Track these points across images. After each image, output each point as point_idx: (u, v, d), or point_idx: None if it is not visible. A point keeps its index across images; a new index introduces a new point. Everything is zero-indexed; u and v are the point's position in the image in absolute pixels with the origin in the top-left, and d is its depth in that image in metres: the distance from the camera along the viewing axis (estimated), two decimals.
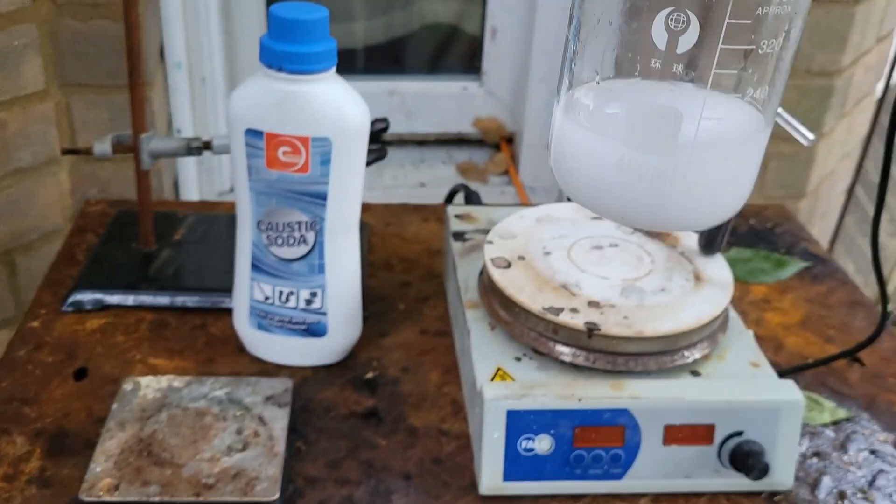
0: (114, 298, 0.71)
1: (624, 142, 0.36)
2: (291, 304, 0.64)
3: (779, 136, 1.11)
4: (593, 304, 0.59)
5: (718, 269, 0.64)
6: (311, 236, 0.61)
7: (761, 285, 0.81)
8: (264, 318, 0.65)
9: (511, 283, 0.61)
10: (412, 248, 0.84)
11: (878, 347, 0.73)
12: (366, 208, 0.92)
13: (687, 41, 0.33)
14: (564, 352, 0.58)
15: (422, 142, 1.36)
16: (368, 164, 0.77)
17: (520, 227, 0.68)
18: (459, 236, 0.73)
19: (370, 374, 0.67)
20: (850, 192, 1.37)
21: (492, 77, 1.30)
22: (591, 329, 0.57)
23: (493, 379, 0.57)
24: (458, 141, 1.36)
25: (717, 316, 0.60)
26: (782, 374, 0.68)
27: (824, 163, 1.18)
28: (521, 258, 0.64)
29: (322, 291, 0.63)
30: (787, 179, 1.15)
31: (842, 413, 0.66)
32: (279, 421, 0.58)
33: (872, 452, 0.63)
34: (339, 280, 0.64)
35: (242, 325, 0.66)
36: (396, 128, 1.33)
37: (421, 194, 1.28)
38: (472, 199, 0.86)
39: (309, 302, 0.64)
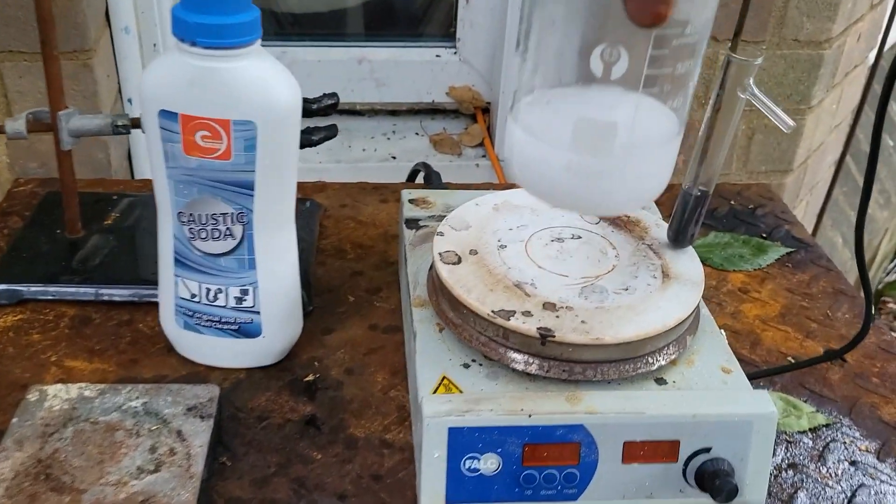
0: (32, 291, 0.65)
1: (571, 149, 0.45)
2: (220, 302, 0.58)
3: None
4: (549, 307, 0.53)
5: (689, 263, 0.59)
6: (238, 229, 0.55)
7: (739, 273, 0.76)
8: (191, 317, 0.59)
9: (460, 281, 0.55)
10: (368, 232, 0.78)
11: (862, 343, 0.68)
12: (320, 187, 0.86)
13: (619, 70, 0.42)
14: (516, 359, 0.53)
15: (394, 112, 1.29)
16: (317, 143, 0.71)
17: (475, 216, 0.62)
18: (413, 223, 0.67)
19: (310, 377, 0.61)
20: (840, 163, 1.32)
21: (466, 44, 1.23)
22: (545, 335, 0.51)
23: (436, 390, 0.52)
24: (432, 111, 1.29)
25: (686, 318, 0.54)
26: (757, 376, 0.63)
27: (812, 136, 1.12)
28: (474, 252, 0.58)
29: (254, 289, 0.57)
30: (772, 154, 1.09)
31: (821, 419, 0.61)
32: (200, 436, 0.52)
33: (853, 464, 0.58)
34: (272, 277, 0.58)
35: (169, 324, 0.60)
36: (367, 97, 1.26)
37: (391, 168, 1.22)
38: (431, 179, 0.80)
39: (239, 300, 0.58)
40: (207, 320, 0.59)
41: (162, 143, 0.53)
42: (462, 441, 0.50)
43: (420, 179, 0.85)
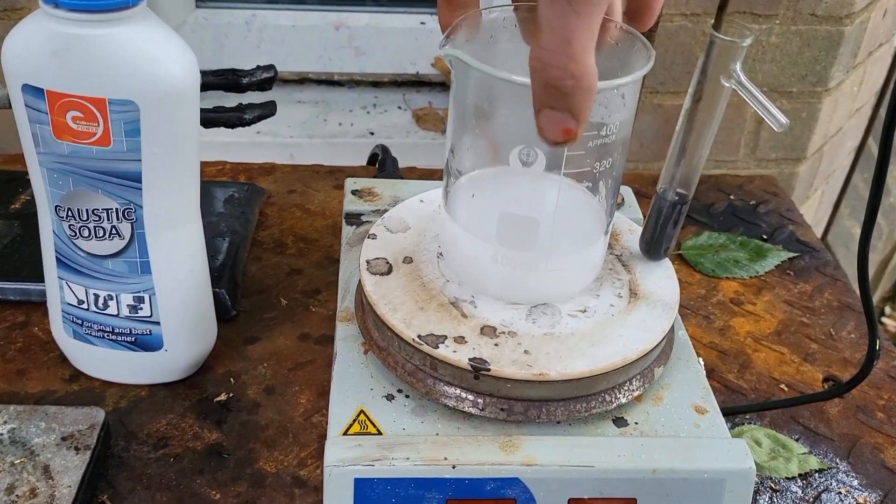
0: None
1: (496, 242, 0.45)
2: (111, 310, 0.50)
3: (775, 90, 0.95)
4: (488, 331, 0.45)
5: (662, 280, 0.49)
6: (125, 228, 0.47)
7: (733, 281, 0.67)
8: (80, 326, 0.51)
9: (386, 296, 0.46)
10: (315, 223, 0.70)
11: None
12: (268, 170, 0.77)
13: (537, 168, 0.42)
14: (447, 393, 0.44)
15: (375, 83, 1.20)
16: (250, 122, 0.62)
17: (417, 215, 0.53)
18: (354, 219, 0.58)
19: (222, 397, 0.53)
20: (860, 149, 1.21)
21: None
22: (477, 368, 0.43)
23: (349, 429, 0.43)
24: (416, 83, 1.20)
25: (652, 349, 0.45)
26: (740, 411, 0.54)
27: (830, 121, 1.02)
28: (408, 260, 0.49)
29: (150, 296, 0.49)
30: (784, 141, 0.99)
31: (813, 462, 0.52)
32: (70, 473, 0.44)
33: None
34: (172, 283, 0.49)
35: (58, 331, 0.52)
36: (346, 67, 1.17)
37: (368, 145, 1.13)
38: (386, 166, 0.71)
39: (134, 308, 0.49)
40: (98, 330, 0.50)
41: (30, 125, 0.44)
42: (371, 495, 0.41)
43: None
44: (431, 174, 0.76)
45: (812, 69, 0.94)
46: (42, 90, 0.43)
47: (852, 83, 1.04)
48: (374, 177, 0.67)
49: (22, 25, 0.43)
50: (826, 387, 0.58)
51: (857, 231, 1.40)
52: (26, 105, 0.44)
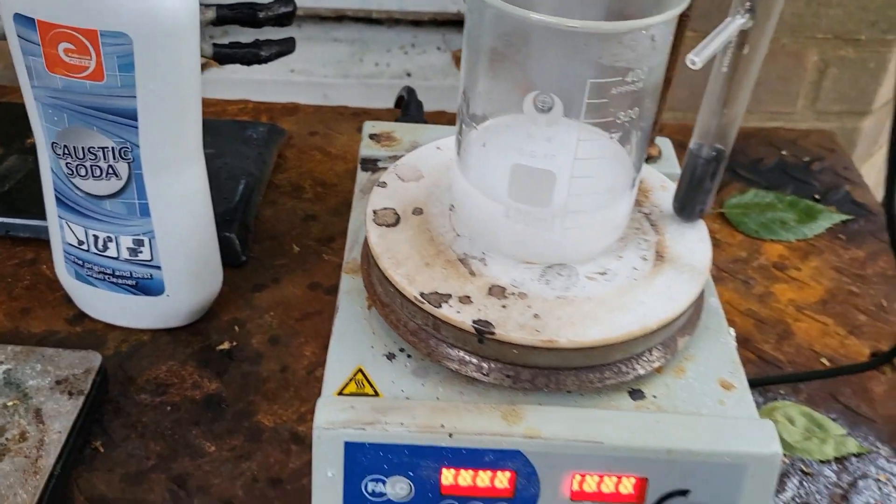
0: None
1: (509, 196, 0.42)
2: (111, 252, 0.48)
3: (840, 37, 0.88)
4: (496, 291, 0.42)
5: (694, 242, 0.45)
6: (122, 168, 0.45)
7: (778, 244, 0.62)
8: (82, 267, 0.49)
9: (390, 249, 0.44)
10: (335, 167, 0.67)
11: None
12: (291, 110, 0.74)
13: (553, 118, 0.39)
14: (450, 355, 0.41)
15: (416, 22, 1.15)
16: (266, 59, 0.59)
17: (432, 163, 0.50)
18: (370, 164, 0.55)
19: (225, 345, 0.51)
20: None
21: None
22: (481, 331, 0.40)
23: (344, 389, 0.41)
24: (457, 23, 1.15)
25: (676, 318, 0.42)
26: (774, 381, 0.50)
27: None
28: (418, 212, 0.46)
29: (150, 239, 0.47)
30: (847, 92, 0.92)
31: (852, 445, 0.48)
32: (61, 419, 0.43)
33: None
34: (173, 226, 0.47)
35: (61, 272, 0.51)
36: (384, 4, 1.12)
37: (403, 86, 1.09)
38: (410, 109, 0.67)
39: (134, 252, 0.48)
40: (99, 272, 0.49)
41: (23, 56, 0.42)
42: (363, 460, 0.39)
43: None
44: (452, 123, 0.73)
45: (884, 14, 0.86)
46: (34, 20, 0.40)
47: None
48: (397, 120, 0.64)
49: None
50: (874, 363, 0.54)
51: None
52: (19, 36, 0.41)
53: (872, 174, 1.12)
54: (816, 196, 0.67)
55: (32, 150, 0.62)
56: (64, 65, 0.41)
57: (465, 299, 0.41)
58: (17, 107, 0.65)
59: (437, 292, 0.41)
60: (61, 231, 0.48)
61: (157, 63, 0.42)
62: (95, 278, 0.49)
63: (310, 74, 1.02)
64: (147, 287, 0.49)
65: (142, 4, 0.40)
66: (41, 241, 0.57)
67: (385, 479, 0.39)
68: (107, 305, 0.51)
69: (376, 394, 0.41)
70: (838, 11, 0.86)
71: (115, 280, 0.49)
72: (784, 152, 0.72)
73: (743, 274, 0.59)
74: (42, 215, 0.56)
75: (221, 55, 0.57)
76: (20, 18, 0.41)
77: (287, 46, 0.60)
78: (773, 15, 0.39)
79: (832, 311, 0.57)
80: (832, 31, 0.88)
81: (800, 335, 0.55)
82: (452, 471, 0.39)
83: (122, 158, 0.44)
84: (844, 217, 0.65)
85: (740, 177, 0.68)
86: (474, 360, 0.41)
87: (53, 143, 0.45)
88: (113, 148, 0.44)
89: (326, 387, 0.41)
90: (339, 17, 1.08)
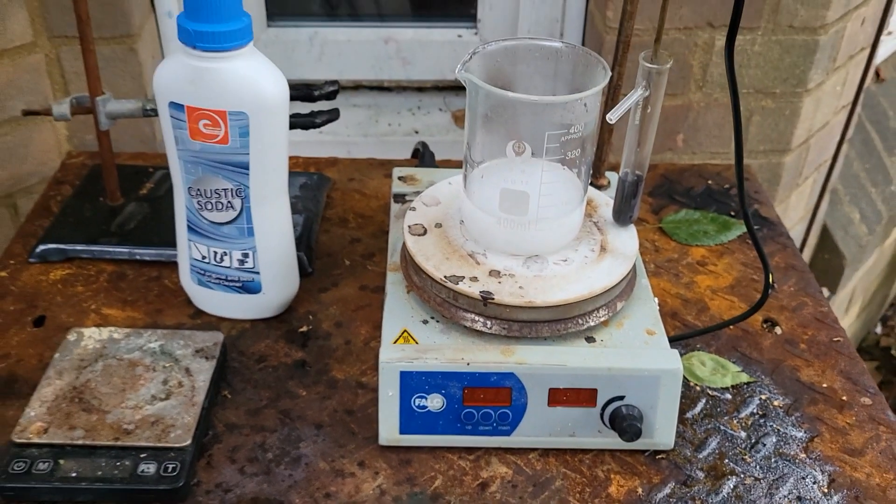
0: (77, 250, 0.77)
1: (499, 211, 0.62)
2: (226, 263, 0.69)
3: (760, 91, 1.11)
4: (494, 274, 0.63)
5: (627, 240, 0.67)
6: (237, 202, 0.66)
7: (701, 248, 0.83)
8: (203, 276, 0.70)
9: (422, 250, 0.65)
10: (370, 204, 0.88)
11: (799, 313, 0.76)
12: (332, 162, 0.96)
13: (526, 157, 0.61)
14: (465, 317, 0.62)
15: (420, 88, 1.38)
16: (320, 125, 0.81)
17: (446, 193, 0.71)
18: (400, 198, 0.77)
19: (304, 328, 0.72)
20: (840, 144, 1.35)
21: (486, 25, 1.31)
22: (486, 297, 0.61)
23: (396, 341, 0.62)
24: (455, 88, 1.38)
25: (613, 286, 0.63)
26: (683, 337, 0.71)
27: (813, 117, 1.17)
28: (439, 225, 0.67)
29: (253, 252, 0.68)
30: (770, 134, 1.15)
31: (744, 377, 0.69)
32: (203, 373, 0.64)
33: (763, 416, 0.66)
34: (268, 242, 0.68)
35: (186, 280, 0.72)
36: (394, 75, 1.35)
37: (414, 141, 1.31)
38: (425, 158, 0.89)
39: (242, 262, 0.69)
40: (216, 278, 0.70)
41: (172, 130, 0.64)
42: (411, 382, 0.60)
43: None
44: (462, 165, 0.95)
45: (792, 73, 1.09)
46: (182, 106, 0.62)
47: (834, 83, 1.18)
48: (416, 167, 0.85)
49: (168, 60, 0.62)
50: (764, 327, 0.75)
51: (856, 216, 1.54)
52: (171, 116, 0.63)
53: (803, 200, 1.34)
54: (732, 213, 0.88)
55: (145, 199, 0.84)
56: (202, 134, 0.63)
57: (474, 279, 0.62)
58: (128, 167, 0.87)
59: (455, 275, 0.62)
60: (189, 250, 0.69)
61: (263, 130, 0.63)
62: (213, 283, 0.70)
63: (336, 134, 1.24)
64: (250, 287, 0.70)
65: (255, 91, 0.62)
66: (160, 263, 0.78)
67: (426, 395, 0.60)
68: (220, 303, 0.71)
69: (417, 343, 0.62)
70: (757, 71, 1.09)
71: (227, 283, 0.70)
72: (710, 182, 0.94)
73: (674, 269, 0.80)
74: (161, 244, 0.78)
75: (291, 124, 0.79)
76: (173, 104, 0.62)
77: (334, 115, 0.82)
78: (661, 87, 0.61)
79: (738, 293, 0.78)
80: (753, 86, 1.10)
81: (713, 309, 0.76)
82: (470, 389, 0.60)
83: (237, 196, 0.66)
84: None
85: (675, 200, 0.90)
86: (481, 319, 0.62)
87: (189, 187, 0.66)
88: (231, 188, 0.65)
89: (384, 340, 0.62)
90: (357, 87, 1.31)
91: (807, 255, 1.49)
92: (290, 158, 0.96)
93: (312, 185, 0.87)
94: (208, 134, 0.63)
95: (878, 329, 2.17)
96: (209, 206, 0.66)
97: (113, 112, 0.76)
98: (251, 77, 0.61)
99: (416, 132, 1.31)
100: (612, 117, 0.59)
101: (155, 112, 0.77)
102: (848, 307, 1.77)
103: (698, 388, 0.68)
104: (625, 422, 0.59)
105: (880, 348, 2.11)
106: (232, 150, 0.63)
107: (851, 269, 1.55)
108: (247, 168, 0.64)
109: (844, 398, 0.68)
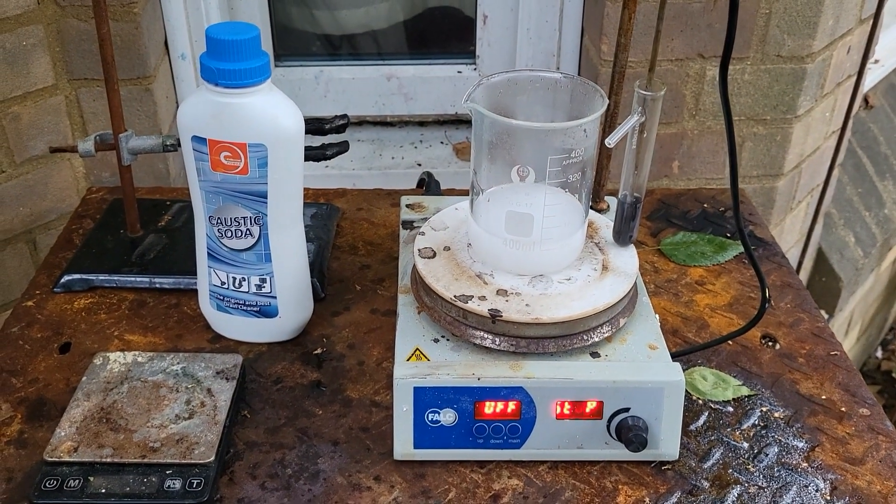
0: (100, 280, 0.80)
1: (505, 232, 0.66)
2: (244, 288, 0.72)
3: (752, 118, 1.15)
4: (501, 293, 0.66)
5: (627, 259, 0.70)
6: (255, 230, 0.69)
7: (699, 268, 0.86)
8: (222, 301, 0.73)
9: (432, 272, 0.68)
10: (378, 232, 0.91)
11: (797, 329, 0.78)
12: (341, 193, 1.00)
13: (530, 181, 0.65)
14: (474, 335, 0.65)
15: (421, 123, 1.42)
16: (331, 157, 0.85)
17: (453, 218, 0.74)
18: (408, 225, 0.80)
19: (318, 350, 0.75)
20: (830, 169, 1.38)
21: (485, 61, 1.35)
22: (494, 315, 0.64)
23: (409, 359, 0.65)
24: (456, 121, 1.42)
25: (615, 303, 0.66)
26: (686, 353, 0.74)
27: (804, 143, 1.21)
28: (447, 248, 0.71)
29: (270, 278, 0.71)
30: (762, 160, 1.18)
31: (745, 391, 0.71)
32: (225, 393, 0.66)
33: (764, 427, 0.68)
34: (285, 268, 0.71)
35: (205, 306, 0.75)
36: (396, 110, 1.39)
37: (417, 174, 1.35)
38: (431, 187, 0.92)
39: (259, 287, 0.72)
40: (234, 303, 0.73)
41: (194, 162, 0.67)
42: (425, 398, 0.62)
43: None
44: (466, 193, 0.98)
45: (781, 100, 1.13)
46: (205, 139, 0.65)
47: (824, 110, 1.22)
48: (423, 195, 0.89)
49: (191, 97, 0.66)
50: (763, 343, 0.77)
51: (851, 239, 1.58)
52: (193, 149, 0.66)
53: (797, 223, 1.37)
54: (728, 234, 0.92)
55: (163, 230, 0.87)
56: (223, 166, 0.66)
57: (482, 298, 0.65)
58: (147, 201, 0.91)
59: (464, 294, 0.65)
60: (209, 276, 0.73)
61: (280, 161, 0.67)
62: (231, 307, 0.73)
63: (342, 168, 1.28)
64: (267, 311, 0.73)
65: (273, 124, 0.65)
66: (179, 291, 0.81)
67: (439, 410, 0.62)
68: (238, 327, 0.74)
69: (428, 361, 0.64)
70: (747, 99, 1.13)
71: (245, 308, 0.73)
72: (706, 205, 0.97)
73: (674, 289, 0.83)
74: (180, 273, 0.81)
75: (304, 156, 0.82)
76: (196, 138, 0.66)
77: (344, 147, 0.85)
78: (656, 113, 0.64)
79: (736, 310, 0.81)
80: (745, 114, 1.14)
81: (713, 326, 0.79)
82: (480, 403, 0.62)
83: (256, 223, 0.69)
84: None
85: (673, 223, 0.93)
86: (490, 336, 0.65)
87: (210, 216, 0.69)
88: (250, 217, 0.69)
89: (398, 358, 0.65)
90: (361, 122, 1.35)
91: (803, 277, 1.52)
92: None
93: (323, 214, 0.90)
94: (229, 165, 0.66)
95: (879, 353, 2.19)
96: (229, 234, 0.69)
97: (135, 148, 0.79)
98: (270, 111, 0.65)
99: (419, 164, 1.35)
100: (610, 141, 0.62)
101: (174, 147, 0.80)
102: (847, 330, 1.80)
103: (700, 402, 0.70)
104: (630, 433, 0.61)
105: (881, 372, 2.13)
106: (251, 180, 0.67)
107: (848, 292, 1.58)
108: (265, 197, 0.68)
109: (843, 409, 0.70)
